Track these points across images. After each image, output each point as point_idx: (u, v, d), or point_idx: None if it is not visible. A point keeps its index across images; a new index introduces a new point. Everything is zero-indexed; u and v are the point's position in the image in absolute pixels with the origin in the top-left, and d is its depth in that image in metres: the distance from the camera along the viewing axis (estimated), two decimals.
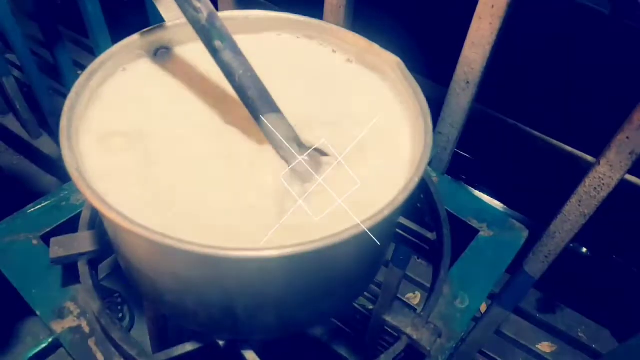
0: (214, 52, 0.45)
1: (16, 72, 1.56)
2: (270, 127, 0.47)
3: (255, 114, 0.47)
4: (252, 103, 0.46)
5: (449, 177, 0.83)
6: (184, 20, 0.46)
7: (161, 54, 0.55)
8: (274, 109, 0.47)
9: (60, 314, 0.57)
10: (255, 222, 0.43)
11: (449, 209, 0.70)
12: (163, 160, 0.47)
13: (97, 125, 0.48)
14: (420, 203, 0.69)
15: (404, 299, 1.32)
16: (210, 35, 0.45)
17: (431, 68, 0.95)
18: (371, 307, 1.19)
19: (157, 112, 0.51)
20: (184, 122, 0.50)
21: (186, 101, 0.52)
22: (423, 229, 0.63)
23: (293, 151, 0.47)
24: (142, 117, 0.50)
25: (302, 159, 0.47)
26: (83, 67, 0.51)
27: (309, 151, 0.48)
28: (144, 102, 0.51)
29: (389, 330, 0.54)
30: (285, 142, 0.47)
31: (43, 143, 1.61)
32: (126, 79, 0.52)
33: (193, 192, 0.45)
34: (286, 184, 0.46)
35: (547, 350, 1.27)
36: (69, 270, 0.59)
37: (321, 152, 0.49)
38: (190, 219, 0.43)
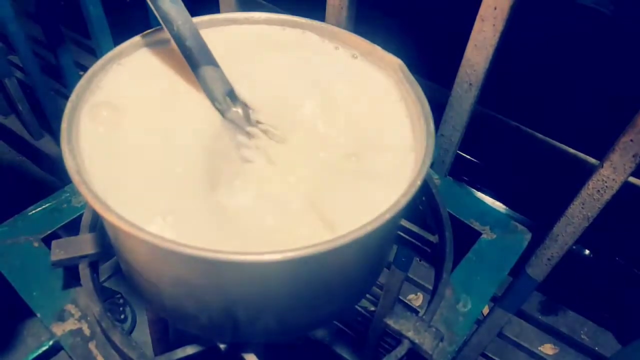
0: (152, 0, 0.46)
1: (18, 73, 1.56)
2: (206, 78, 0.48)
3: (192, 65, 0.48)
4: (190, 54, 0.47)
5: (451, 179, 0.83)
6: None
7: (162, 53, 0.55)
8: (211, 61, 0.48)
9: (61, 317, 0.57)
10: (258, 230, 0.43)
11: (451, 211, 0.69)
12: (166, 161, 0.47)
13: (98, 128, 0.48)
14: (422, 205, 0.68)
15: (406, 301, 1.31)
16: None
17: (433, 70, 0.95)
18: (372, 308, 1.19)
19: (159, 113, 0.51)
20: (186, 123, 0.50)
21: (188, 101, 0.52)
22: (425, 231, 0.63)
23: (228, 103, 0.48)
24: (144, 119, 0.50)
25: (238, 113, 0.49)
26: (85, 68, 0.51)
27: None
28: (146, 103, 0.51)
29: (391, 332, 0.53)
30: (221, 95, 0.48)
31: (45, 144, 1.61)
32: (127, 79, 0.52)
33: (195, 193, 0.44)
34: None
35: (550, 352, 1.26)
36: (69, 273, 0.59)
37: (249, 107, 0.50)
38: (193, 221, 0.42)
